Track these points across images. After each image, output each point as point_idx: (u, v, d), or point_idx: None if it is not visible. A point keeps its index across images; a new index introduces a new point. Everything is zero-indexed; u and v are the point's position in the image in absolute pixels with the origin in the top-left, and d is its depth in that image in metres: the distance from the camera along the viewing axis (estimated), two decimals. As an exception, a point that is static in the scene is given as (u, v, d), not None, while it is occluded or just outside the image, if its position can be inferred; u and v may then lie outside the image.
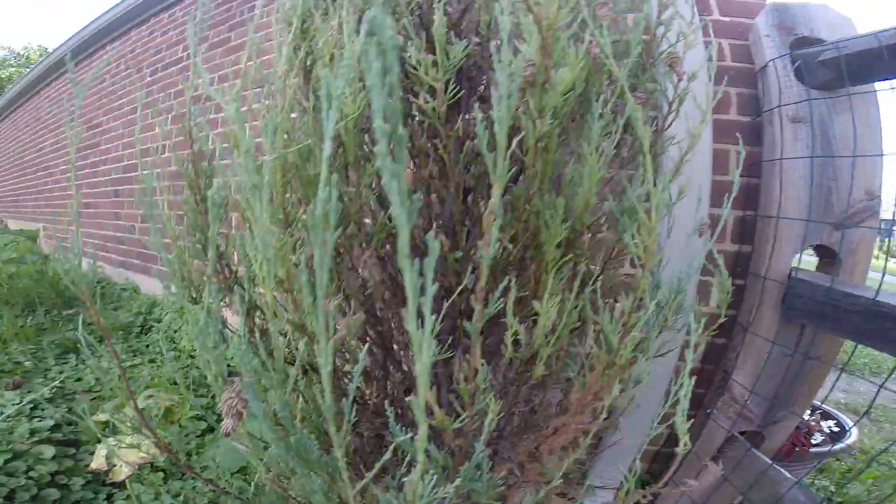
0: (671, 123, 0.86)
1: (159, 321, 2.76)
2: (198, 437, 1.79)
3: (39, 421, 1.60)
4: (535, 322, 0.53)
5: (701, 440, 1.30)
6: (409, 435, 0.44)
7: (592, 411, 0.55)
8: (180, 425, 1.79)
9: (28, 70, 5.69)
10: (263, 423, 0.37)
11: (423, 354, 0.25)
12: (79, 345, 2.46)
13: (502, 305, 0.51)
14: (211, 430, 1.82)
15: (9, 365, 2.13)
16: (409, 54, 0.63)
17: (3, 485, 1.23)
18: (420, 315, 0.25)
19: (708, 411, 1.28)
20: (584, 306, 0.57)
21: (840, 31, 1.28)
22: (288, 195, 0.60)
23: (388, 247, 0.65)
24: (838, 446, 1.58)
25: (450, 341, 0.59)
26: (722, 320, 0.69)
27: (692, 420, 1.39)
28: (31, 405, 1.74)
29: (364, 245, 0.60)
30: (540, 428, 0.68)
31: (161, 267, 3.04)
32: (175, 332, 2.62)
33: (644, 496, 0.92)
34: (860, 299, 0.94)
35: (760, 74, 1.35)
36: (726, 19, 1.48)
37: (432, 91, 0.60)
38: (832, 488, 1.84)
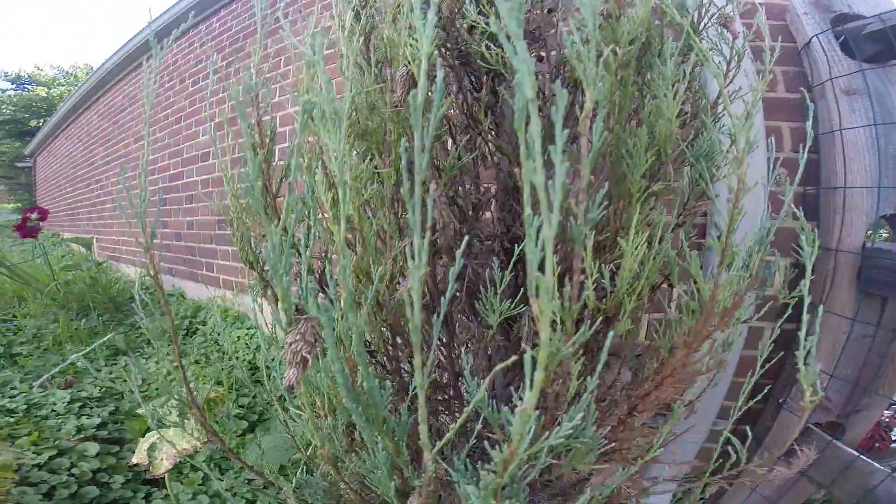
0: (733, 78, 0.82)
1: (204, 324, 2.82)
2: (238, 436, 1.80)
3: (87, 419, 1.63)
4: (616, 268, 0.49)
5: (772, 433, 1.22)
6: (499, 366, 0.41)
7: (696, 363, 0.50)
8: (220, 423, 1.81)
9: (77, 87, 5.98)
10: (335, 359, 0.34)
11: (554, 211, 0.21)
12: (129, 346, 2.54)
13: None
14: (251, 429, 1.83)
15: (63, 365, 2.20)
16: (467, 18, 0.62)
17: (44, 481, 1.24)
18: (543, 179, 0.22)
19: (780, 401, 1.19)
20: (666, 253, 0.52)
21: (878, 6, 1.29)
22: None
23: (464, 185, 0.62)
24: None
25: (521, 294, 0.55)
26: (812, 276, 0.63)
27: (760, 413, 1.30)
28: (81, 403, 1.78)
29: (435, 182, 0.58)
30: (616, 402, 0.63)
31: (207, 273, 3.12)
32: (219, 334, 2.67)
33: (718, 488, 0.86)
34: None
35: (805, 51, 1.34)
36: (761, 1, 1.48)
37: (493, 39, 0.57)
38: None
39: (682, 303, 0.51)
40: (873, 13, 1.21)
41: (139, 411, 1.66)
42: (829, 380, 1.10)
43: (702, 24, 0.86)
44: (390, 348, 0.63)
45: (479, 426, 0.49)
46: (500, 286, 0.50)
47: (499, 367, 0.29)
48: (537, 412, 0.30)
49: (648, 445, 0.50)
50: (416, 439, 0.44)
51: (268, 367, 2.45)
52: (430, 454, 0.35)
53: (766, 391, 1.28)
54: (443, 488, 0.46)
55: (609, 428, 0.51)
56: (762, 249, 0.59)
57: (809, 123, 0.70)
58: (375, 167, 0.55)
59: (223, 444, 0.88)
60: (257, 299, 0.66)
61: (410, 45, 0.54)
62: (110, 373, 2.23)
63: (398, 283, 0.54)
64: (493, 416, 0.45)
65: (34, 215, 3.03)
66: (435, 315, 0.35)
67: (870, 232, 1.10)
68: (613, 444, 0.48)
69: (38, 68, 18.83)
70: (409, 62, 0.54)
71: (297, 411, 0.63)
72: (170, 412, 1.24)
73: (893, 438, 1.39)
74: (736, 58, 0.84)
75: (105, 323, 2.80)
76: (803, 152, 0.66)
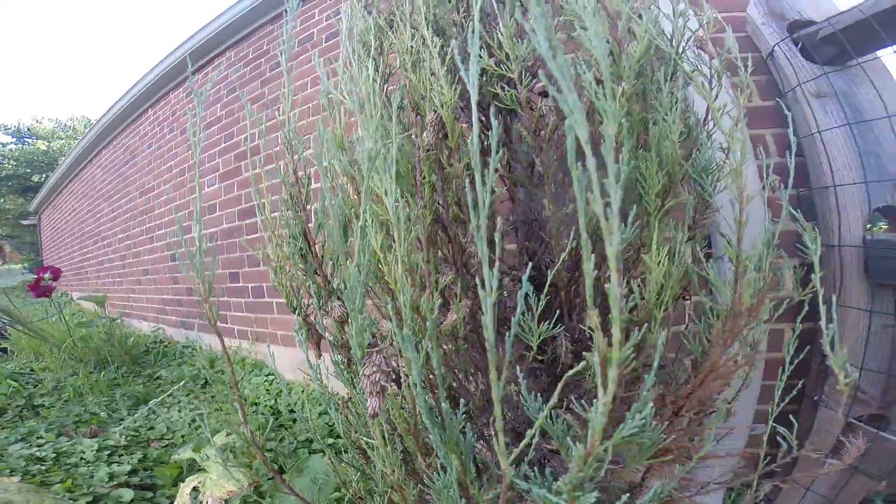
0: (717, 96, 0.88)
1: (222, 373, 2.86)
2: (269, 479, 1.81)
3: (118, 466, 1.66)
4: (643, 282, 0.53)
5: (813, 434, 1.21)
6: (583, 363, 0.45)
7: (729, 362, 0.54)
8: (253, 467, 1.82)
9: (78, 141, 6.07)
10: (418, 385, 0.38)
11: (613, 238, 0.26)
12: (149, 397, 2.57)
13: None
14: (282, 471, 1.84)
15: (86, 415, 2.24)
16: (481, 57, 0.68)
17: (82, 529, 1.26)
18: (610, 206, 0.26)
19: (815, 398, 1.20)
20: (685, 265, 0.57)
21: (825, 10, 1.36)
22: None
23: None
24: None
25: (557, 314, 0.59)
26: (822, 274, 0.67)
27: (796, 414, 1.30)
28: (109, 451, 1.81)
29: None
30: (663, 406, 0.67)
31: (222, 324, 3.15)
32: (237, 382, 2.70)
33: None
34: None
35: (770, 60, 1.39)
36: (721, 15, 1.57)
37: (509, 80, 0.64)
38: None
39: (707, 308, 0.55)
40: (822, 17, 1.29)
41: (173, 458, 1.68)
42: (861, 373, 1.11)
43: (680, 48, 0.93)
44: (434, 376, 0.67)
45: (536, 440, 0.52)
46: (537, 310, 0.54)
47: (570, 372, 0.33)
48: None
49: (699, 445, 0.54)
50: (477, 462, 0.47)
51: (291, 412, 2.46)
52: (506, 462, 0.38)
53: (795, 391, 1.30)
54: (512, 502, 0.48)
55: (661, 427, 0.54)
56: (770, 252, 0.63)
57: (791, 130, 0.75)
58: (408, 207, 0.61)
59: (278, 477, 0.91)
60: (305, 346, 0.69)
61: (441, 92, 0.59)
62: (134, 421, 2.26)
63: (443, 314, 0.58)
64: (552, 428, 0.48)
65: (47, 275, 3.10)
66: (506, 336, 0.39)
67: (869, 225, 1.14)
68: (670, 437, 0.51)
69: (37, 121, 18.95)
70: (437, 108, 0.60)
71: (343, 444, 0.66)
72: (206, 457, 1.26)
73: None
74: (716, 76, 0.90)
75: (124, 375, 2.83)
76: (791, 157, 0.71)
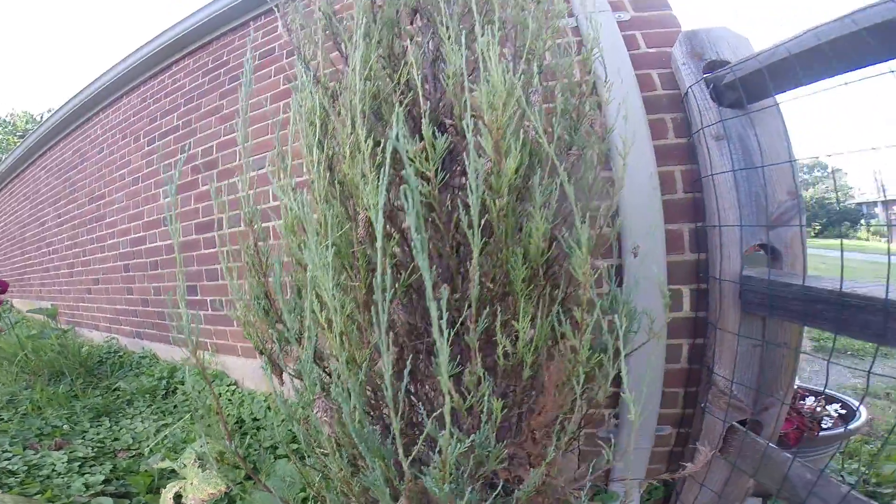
0: (598, 172, 1.12)
1: (181, 384, 3.00)
2: (238, 483, 2.01)
3: (91, 476, 1.84)
4: (517, 338, 0.79)
5: (703, 434, 1.49)
6: (437, 412, 0.70)
7: (568, 393, 0.80)
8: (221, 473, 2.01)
9: (22, 140, 5.97)
10: (349, 418, 0.62)
11: (443, 352, 0.51)
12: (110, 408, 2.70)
13: (494, 326, 0.78)
14: (248, 478, 2.04)
15: (48, 428, 2.38)
16: (406, 150, 0.91)
17: (72, 536, 1.44)
18: (441, 331, 0.52)
19: (702, 405, 1.49)
20: (553, 323, 0.82)
21: (739, 52, 1.52)
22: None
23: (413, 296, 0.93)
24: (850, 427, 1.69)
25: (458, 359, 0.84)
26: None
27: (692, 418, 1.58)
28: (79, 463, 1.97)
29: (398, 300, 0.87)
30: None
31: (179, 335, 3.25)
32: (199, 392, 2.87)
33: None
34: (793, 287, 1.16)
35: (685, 99, 1.58)
36: (653, 50, 1.71)
37: (426, 177, 0.87)
38: (864, 469, 1.92)
39: (560, 354, 0.81)
40: (735, 59, 1.44)
41: (150, 466, 1.85)
42: (732, 384, 1.40)
43: (580, 121, 1.16)
44: (372, 401, 0.91)
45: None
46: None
47: (435, 413, 0.58)
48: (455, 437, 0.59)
49: (554, 455, 0.79)
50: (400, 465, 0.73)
51: (255, 420, 2.65)
52: (406, 463, 0.62)
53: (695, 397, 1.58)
54: (421, 495, 0.72)
55: (509, 441, 0.80)
56: (626, 306, 0.90)
57: (657, 190, 1.02)
58: (347, 279, 0.83)
59: (256, 478, 1.11)
60: (271, 376, 0.92)
61: (370, 195, 0.81)
62: (97, 433, 2.40)
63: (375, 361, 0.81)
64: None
65: (-6, 288, 3.18)
66: (400, 383, 0.63)
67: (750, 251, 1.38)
68: (513, 451, 0.77)
69: (-29, 116, 18.30)
70: (366, 208, 0.82)
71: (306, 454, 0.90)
72: (184, 465, 1.46)
73: (822, 427, 1.66)
74: (599, 158, 1.13)
75: (81, 387, 2.95)
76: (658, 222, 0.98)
